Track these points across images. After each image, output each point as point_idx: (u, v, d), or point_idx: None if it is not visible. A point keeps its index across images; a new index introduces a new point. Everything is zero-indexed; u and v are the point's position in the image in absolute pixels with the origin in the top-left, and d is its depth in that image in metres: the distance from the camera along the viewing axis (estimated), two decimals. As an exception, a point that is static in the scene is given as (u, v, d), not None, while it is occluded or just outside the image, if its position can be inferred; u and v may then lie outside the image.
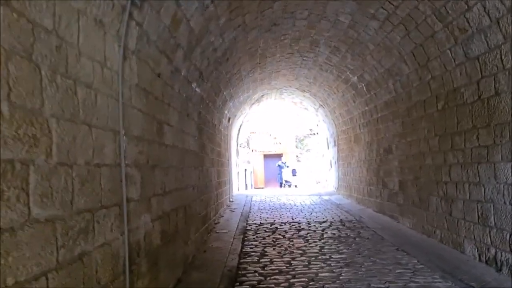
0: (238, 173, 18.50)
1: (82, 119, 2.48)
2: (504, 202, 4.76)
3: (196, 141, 7.01)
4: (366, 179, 11.04)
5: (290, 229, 8.25)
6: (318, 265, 5.50)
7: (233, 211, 10.98)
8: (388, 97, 8.69)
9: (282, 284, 4.81)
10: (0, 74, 1.69)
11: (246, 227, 8.68)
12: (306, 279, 4.95)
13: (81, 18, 2.48)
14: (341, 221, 9.05)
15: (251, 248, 6.68)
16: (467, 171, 5.62)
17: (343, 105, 12.43)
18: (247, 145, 27.14)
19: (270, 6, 6.75)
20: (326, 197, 14.59)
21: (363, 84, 9.75)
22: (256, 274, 5.25)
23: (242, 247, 6.73)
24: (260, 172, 27.17)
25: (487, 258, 5.15)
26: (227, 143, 13.35)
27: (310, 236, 7.49)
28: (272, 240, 7.21)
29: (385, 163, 9.34)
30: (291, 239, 7.24)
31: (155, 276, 3.95)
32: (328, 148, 17.31)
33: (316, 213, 10.52)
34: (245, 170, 22.22)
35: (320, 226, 8.43)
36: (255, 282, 4.92)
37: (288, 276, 5.11)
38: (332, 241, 7.02)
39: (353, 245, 6.66)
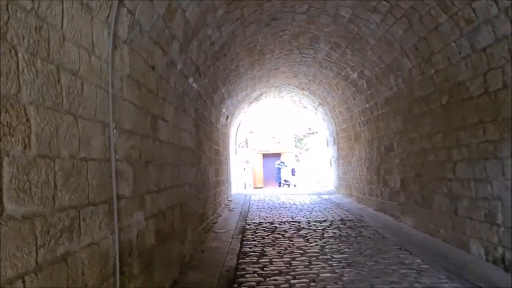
0: (237, 172, 18.31)
1: (66, 108, 2.29)
2: (513, 199, 4.58)
3: (193, 138, 6.82)
4: (367, 177, 10.85)
5: (290, 228, 8.06)
6: (319, 265, 5.32)
7: (232, 210, 10.80)
8: (389, 93, 8.51)
9: (282, 286, 4.62)
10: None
11: (245, 226, 8.50)
12: (307, 280, 4.76)
13: (65, -1, 2.29)
14: (341, 220, 8.87)
15: (250, 248, 6.50)
16: (473, 167, 5.44)
17: (343, 103, 12.25)
18: (246, 144, 26.97)
19: (269, -1, 6.57)
20: (325, 196, 14.41)
21: (364, 81, 9.57)
22: (255, 274, 5.06)
23: (240, 247, 6.55)
24: (259, 172, 26.98)
25: (494, 257, 4.97)
26: (226, 142, 13.17)
27: (310, 235, 7.30)
28: (272, 240, 7.03)
29: (386, 161, 9.16)
30: (291, 239, 7.05)
31: (149, 277, 3.76)
32: (327, 146, 17.13)
33: (316, 212, 10.33)
34: (244, 169, 22.03)
35: (321, 225, 8.25)
36: (254, 283, 4.74)
37: (288, 276, 4.92)
38: (333, 240, 6.83)
39: (355, 244, 6.48)
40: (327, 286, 4.54)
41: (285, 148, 27.44)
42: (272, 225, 8.49)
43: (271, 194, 16.25)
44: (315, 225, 8.36)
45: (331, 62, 10.03)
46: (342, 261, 5.46)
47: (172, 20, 4.44)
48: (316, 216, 9.53)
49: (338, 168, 14.76)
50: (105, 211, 2.78)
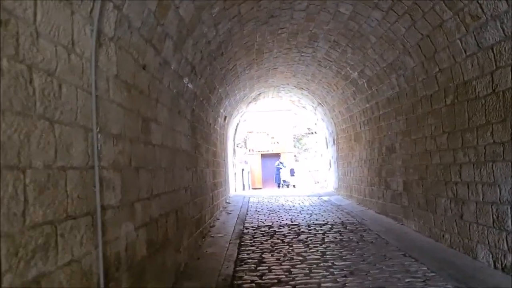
0: (235, 173, 18.08)
1: (40, 113, 2.05)
2: (524, 205, 4.36)
3: (189, 140, 6.59)
4: (368, 179, 10.63)
5: (289, 232, 7.83)
6: (320, 274, 5.08)
7: (230, 213, 10.56)
8: (391, 93, 8.28)
9: (282, 296, 4.40)
10: None
11: (243, 230, 8.27)
12: (308, 290, 4.54)
13: (38, -10, 2.05)
14: (342, 223, 8.64)
15: (247, 254, 6.26)
16: (480, 170, 5.21)
17: (343, 103, 12.03)
18: (244, 145, 26.74)
19: (266, -4, 6.34)
20: (325, 198, 14.18)
21: (364, 80, 9.34)
22: (253, 284, 4.82)
23: (238, 253, 6.31)
24: (258, 172, 26.77)
25: (503, 265, 4.74)
26: (223, 143, 12.93)
27: (310, 240, 7.07)
28: (270, 245, 6.79)
29: (388, 163, 8.93)
30: (290, 244, 6.82)
31: (140, 291, 3.53)
32: (327, 147, 16.90)
33: (316, 215, 10.10)
34: (242, 170, 21.81)
35: (321, 229, 8.01)
36: (252, 293, 4.51)
37: (287, 286, 4.69)
38: (333, 245, 6.60)
39: (357, 250, 6.24)
40: (329, 296, 4.32)
41: (284, 149, 27.24)
42: (271, 229, 8.25)
43: (270, 196, 16.01)
44: (315, 228, 8.13)
45: (331, 61, 9.80)
46: (344, 269, 5.23)
47: (165, 16, 4.20)
48: (316, 219, 9.30)
49: (338, 169, 14.54)
50: (88, 224, 2.54)
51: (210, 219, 8.70)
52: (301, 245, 6.73)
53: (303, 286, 4.67)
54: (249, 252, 6.39)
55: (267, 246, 6.76)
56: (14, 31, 1.85)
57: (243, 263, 5.74)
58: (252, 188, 24.02)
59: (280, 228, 8.31)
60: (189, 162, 6.52)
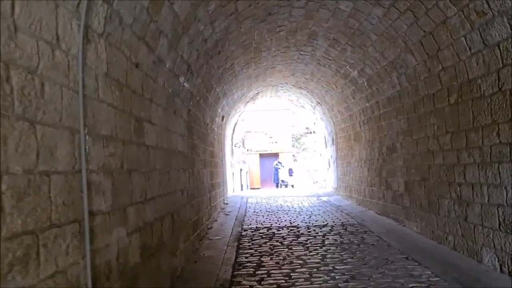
0: (233, 173, 17.91)
1: (18, 113, 1.88)
2: (532, 207, 4.20)
3: (185, 141, 6.42)
4: (368, 179, 10.47)
5: (289, 234, 7.67)
6: (321, 278, 4.92)
7: (228, 215, 10.40)
8: (392, 92, 8.13)
9: (281, 303, 4.23)
10: None
11: (241, 232, 8.10)
12: (308, 296, 4.38)
13: (16, -20, 1.89)
14: (342, 224, 8.48)
15: (246, 257, 6.10)
16: (485, 171, 5.06)
17: (342, 102, 11.87)
18: (243, 144, 26.59)
19: (264, -8, 6.18)
20: (324, 198, 14.02)
21: (364, 79, 9.18)
22: (252, 290, 4.67)
23: (236, 256, 6.15)
24: (256, 172, 26.62)
25: (510, 269, 4.59)
26: (221, 143, 12.76)
27: (310, 242, 6.91)
28: (269, 248, 6.63)
29: (389, 163, 8.78)
30: (289, 247, 6.66)
31: (133, 300, 3.36)
32: (326, 147, 16.74)
33: (315, 216, 9.94)
34: (241, 170, 21.65)
35: (321, 231, 7.85)
36: (251, 300, 4.35)
37: (287, 292, 4.53)
38: (334, 248, 6.44)
39: (358, 253, 6.08)
40: (331, 303, 4.16)
41: (282, 148, 27.10)
42: (269, 231, 8.09)
43: (269, 196, 15.85)
44: (314, 230, 7.97)
45: (330, 60, 9.64)
46: (346, 273, 5.07)
47: (159, 13, 4.04)
48: (316, 221, 9.14)
49: (337, 169, 14.38)
50: (75, 232, 2.38)
51: (208, 221, 8.54)
52: (301, 247, 6.57)
53: (303, 292, 4.52)
54: (247, 255, 6.23)
55: (266, 249, 6.60)
56: (-13, 23, 1.69)
57: (241, 267, 5.58)
58: (251, 188, 23.86)
59: (279, 230, 8.15)
60: (186, 163, 6.35)
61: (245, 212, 11.14)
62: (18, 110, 1.88)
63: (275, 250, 6.49)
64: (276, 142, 27.15)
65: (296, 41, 8.91)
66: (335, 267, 5.38)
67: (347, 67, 9.44)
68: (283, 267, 5.48)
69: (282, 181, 24.42)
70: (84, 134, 2.54)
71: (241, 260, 5.96)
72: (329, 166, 16.18)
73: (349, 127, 12.12)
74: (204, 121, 8.71)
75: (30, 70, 2.00)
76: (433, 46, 5.93)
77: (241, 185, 21.37)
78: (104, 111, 2.93)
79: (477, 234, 5.27)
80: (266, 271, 5.32)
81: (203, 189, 8.11)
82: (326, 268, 5.35)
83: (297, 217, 9.90)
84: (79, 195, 2.46)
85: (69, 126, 2.38)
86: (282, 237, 7.46)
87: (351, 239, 7.00)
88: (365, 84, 9.29)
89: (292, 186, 24.24)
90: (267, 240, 7.23)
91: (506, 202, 4.64)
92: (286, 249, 6.48)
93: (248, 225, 8.90)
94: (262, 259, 5.96)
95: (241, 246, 6.86)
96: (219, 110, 11.11)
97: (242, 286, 4.79)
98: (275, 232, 7.93)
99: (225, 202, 12.78)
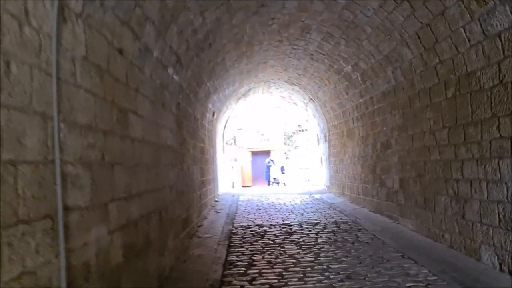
0: (224, 171, 17.68)
1: (-24, 93, 1.65)
2: (535, 203, 4.04)
3: (175, 135, 6.19)
4: (361, 176, 10.30)
5: (281, 232, 7.47)
6: (315, 278, 4.72)
7: (219, 212, 10.17)
8: (386, 87, 7.95)
9: (274, 304, 4.03)
10: None
11: (232, 230, 7.89)
12: (302, 297, 4.18)
13: None
14: (335, 222, 8.30)
15: (237, 256, 5.89)
16: (484, 167, 4.89)
17: (335, 98, 11.69)
18: (234, 142, 26.38)
19: (257, -19, 5.96)
20: (317, 196, 13.85)
21: (358, 74, 9.00)
22: (243, 290, 4.46)
23: (227, 255, 5.94)
24: (248, 170, 26.40)
25: (510, 267, 4.42)
26: (212, 139, 12.53)
27: (303, 240, 6.71)
28: (261, 246, 6.42)
29: (383, 159, 8.61)
30: (282, 245, 6.45)
31: (115, 302, 3.14)
32: (318, 144, 16.58)
33: (308, 213, 9.75)
34: (232, 167, 21.42)
35: (314, 229, 7.66)
36: (241, 301, 4.14)
37: (280, 292, 4.33)
38: (328, 246, 6.25)
39: (352, 251, 5.90)
40: (325, 304, 3.96)
41: (274, 146, 26.91)
42: (261, 229, 7.89)
43: (260, 194, 15.65)
44: (307, 228, 7.78)
45: (323, 54, 9.44)
46: (340, 273, 4.88)
47: (144, -3, 3.80)
48: (309, 218, 8.95)
49: (330, 166, 14.22)
50: (46, 229, 2.15)
51: (198, 219, 8.32)
52: (294, 246, 6.37)
53: (296, 292, 4.32)
54: (238, 254, 6.02)
55: (258, 247, 6.39)
56: None
57: (232, 266, 5.37)
58: (242, 186, 23.63)
59: (271, 228, 7.95)
60: (175, 158, 6.12)
61: (236, 209, 10.93)
62: (-24, 89, 1.66)
63: (267, 248, 6.29)
64: (268, 140, 26.94)
65: (289, 35, 8.70)
66: (329, 266, 5.19)
67: (341, 61, 9.26)
68: (275, 266, 5.28)
69: (274, 178, 24.21)
70: (58, 120, 2.31)
71: (232, 259, 5.75)
72: (322, 164, 16.01)
73: (342, 124, 11.95)
74: (194, 116, 8.48)
75: (-8, 45, 1.77)
76: (430, 39, 5.76)
77: (233, 183, 21.15)
78: (82, 98, 2.70)
79: (476, 232, 5.11)
80: (257, 271, 5.11)
81: (193, 186, 7.89)
82: (320, 267, 5.16)
83: (289, 214, 9.70)
84: (52, 188, 2.24)
85: (40, 111, 2.15)
86: (274, 235, 7.26)
87: (345, 237, 6.82)
88: (359, 79, 9.11)
89: (284, 184, 24.05)
90: (259, 238, 7.02)
91: (507, 198, 4.47)
92: (279, 248, 6.28)
93: (239, 223, 8.69)
94: (253, 258, 5.75)
95: (232, 244, 6.65)
96: (210, 106, 10.88)
97: (232, 286, 4.58)
98: (267, 230, 7.73)
99: (216, 199, 12.56)
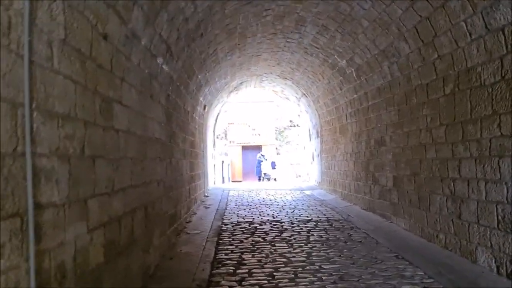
0: (214, 165, 17.46)
1: None
2: (536, 205, 3.89)
3: (163, 128, 5.96)
4: (353, 173, 10.15)
5: (271, 230, 7.28)
6: (307, 279, 4.53)
7: (208, 208, 9.97)
8: (382, 82, 7.78)
9: (264, 306, 3.84)
10: None
11: (222, 226, 7.69)
12: (294, 299, 3.99)
13: None
14: (327, 220, 8.14)
15: (226, 254, 5.69)
16: (483, 166, 4.73)
17: (328, 93, 11.50)
18: (225, 136, 26.15)
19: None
20: (308, 192, 13.69)
21: (353, 69, 8.82)
22: (232, 291, 4.26)
23: (215, 253, 5.74)
24: (238, 165, 26.23)
25: (508, 270, 4.28)
26: (203, 133, 12.29)
27: (294, 239, 6.53)
28: (251, 244, 6.23)
29: (377, 156, 8.45)
30: (272, 243, 6.27)
31: (95, 305, 2.92)
32: (310, 140, 16.41)
33: (299, 210, 9.58)
34: (222, 162, 21.21)
35: (305, 227, 7.49)
36: (230, 303, 3.94)
37: (270, 294, 4.14)
38: (320, 245, 6.08)
39: (345, 251, 5.73)
40: (318, 307, 3.78)
41: (265, 141, 26.76)
42: (251, 226, 7.70)
43: (251, 189, 15.46)
44: (299, 225, 7.61)
45: (318, 48, 9.24)
46: (333, 273, 4.70)
47: (132, -21, 3.57)
48: (300, 215, 8.78)
49: (321, 162, 14.06)
50: (14, 229, 1.92)
51: (187, 214, 8.11)
52: (285, 244, 6.19)
53: (288, 294, 4.13)
54: (227, 252, 5.82)
55: (247, 245, 6.20)
56: None
57: (220, 265, 5.17)
58: (232, 181, 23.45)
59: (262, 225, 7.76)
60: (163, 152, 5.90)
61: (226, 205, 10.73)
62: None
63: (257, 246, 6.10)
64: (259, 135, 26.77)
65: (283, 27, 8.49)
66: (322, 266, 5.01)
67: (335, 56, 9.07)
68: (265, 266, 5.09)
69: (265, 174, 24.05)
70: (30, 109, 2.08)
71: (221, 257, 5.55)
72: (313, 160, 15.86)
73: (335, 120, 11.78)
74: (184, 108, 8.24)
75: None
76: (429, 32, 5.58)
77: (223, 178, 20.95)
78: (59, 85, 2.47)
79: (472, 233, 4.96)
80: (247, 270, 4.92)
81: (182, 180, 7.67)
82: (312, 267, 4.98)
83: (280, 211, 9.52)
84: (22, 183, 2.01)
85: (8, 97, 1.92)
86: (265, 232, 7.07)
87: (337, 236, 6.65)
88: (354, 74, 8.93)
89: (275, 179, 23.91)
90: (249, 236, 6.83)
91: (507, 199, 4.32)
92: (269, 246, 6.10)
93: (229, 219, 8.49)
94: (243, 256, 5.56)
95: (221, 241, 6.45)
96: (201, 99, 10.64)
97: (221, 287, 4.38)
98: (257, 227, 7.54)
99: (206, 194, 12.34)
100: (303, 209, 9.80)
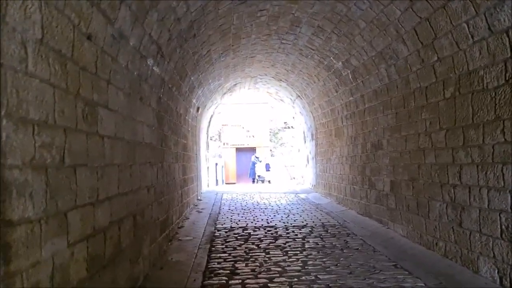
0: (208, 168, 17.24)
1: None
2: (543, 215, 3.72)
3: (154, 132, 5.75)
4: (349, 177, 9.98)
5: (266, 236, 7.08)
6: (303, 291, 4.35)
7: (201, 212, 9.75)
8: (379, 85, 7.61)
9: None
10: None
11: (215, 232, 7.48)
12: (289, 313, 3.80)
13: None
14: (323, 225, 7.95)
15: (218, 263, 5.49)
16: (486, 173, 4.56)
17: (324, 95, 11.33)
18: (219, 138, 25.95)
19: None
20: (302, 196, 13.51)
21: (349, 71, 8.65)
22: (224, 304, 4.06)
23: (208, 261, 5.54)
24: (232, 167, 26.03)
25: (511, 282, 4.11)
26: (196, 135, 12.07)
27: (289, 246, 6.34)
28: (245, 252, 6.03)
29: (373, 160, 8.28)
30: (267, 250, 6.07)
31: (75, 326, 2.71)
32: (304, 142, 16.24)
33: (293, 215, 9.39)
34: (216, 164, 20.98)
35: (300, 233, 7.30)
36: (222, 318, 3.74)
37: (265, 307, 3.95)
38: (315, 253, 5.89)
39: (341, 259, 5.54)
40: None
41: (259, 143, 26.59)
42: (245, 232, 7.50)
43: (245, 192, 15.25)
44: (293, 232, 7.41)
45: (313, 50, 9.06)
46: (330, 285, 4.50)
47: (118, -24, 3.36)
48: (295, 221, 8.58)
49: (316, 165, 13.88)
50: (-23, 252, 1.72)
51: (179, 219, 7.90)
52: (279, 252, 5.99)
53: (283, 308, 3.93)
54: (220, 260, 5.62)
55: (241, 252, 6.00)
56: None
57: (213, 275, 4.96)
58: (226, 183, 23.22)
59: (255, 231, 7.56)
60: (154, 156, 5.69)
61: (220, 209, 10.52)
62: None
63: (251, 254, 5.90)
64: (253, 137, 26.58)
65: (278, 28, 8.30)
66: (318, 276, 4.81)
67: (331, 58, 8.89)
68: (259, 276, 4.88)
69: (259, 176, 23.85)
70: (1, 116, 1.87)
71: (213, 266, 5.34)
72: (308, 162, 15.69)
73: (330, 122, 11.61)
74: (177, 111, 8.03)
75: None
76: (428, 34, 5.41)
77: (216, 180, 20.72)
78: (35, 89, 2.26)
79: (474, 242, 4.79)
80: (240, 281, 4.71)
81: (174, 185, 7.45)
82: (307, 277, 4.78)
83: (274, 216, 9.33)
84: (-12, 199, 1.80)
85: (-29, 105, 1.71)
86: (259, 239, 6.87)
87: (334, 243, 6.46)
88: (350, 77, 8.76)
89: (269, 181, 23.72)
90: (242, 242, 6.63)
91: (510, 208, 4.15)
92: (263, 254, 5.90)
93: (222, 224, 8.28)
94: (236, 265, 5.36)
95: (213, 249, 6.25)
96: (194, 101, 10.42)
97: (212, 300, 4.19)
98: (251, 233, 7.34)
99: (199, 198, 12.13)
100: (298, 213, 9.61)
